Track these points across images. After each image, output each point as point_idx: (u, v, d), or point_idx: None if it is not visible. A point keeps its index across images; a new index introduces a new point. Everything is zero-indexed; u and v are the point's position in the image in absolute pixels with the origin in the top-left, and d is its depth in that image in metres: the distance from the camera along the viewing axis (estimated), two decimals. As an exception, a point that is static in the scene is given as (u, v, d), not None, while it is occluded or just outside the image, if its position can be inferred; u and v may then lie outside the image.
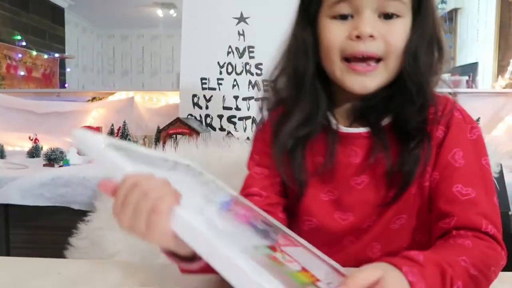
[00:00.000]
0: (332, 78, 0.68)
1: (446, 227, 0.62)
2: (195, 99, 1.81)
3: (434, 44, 0.66)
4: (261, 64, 1.77)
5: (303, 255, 0.51)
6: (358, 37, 0.62)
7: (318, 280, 0.46)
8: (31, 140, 1.86)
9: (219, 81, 1.80)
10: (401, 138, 0.65)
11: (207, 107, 1.81)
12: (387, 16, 0.63)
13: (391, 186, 0.65)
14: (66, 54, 5.53)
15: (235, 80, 1.79)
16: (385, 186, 0.66)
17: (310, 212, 0.70)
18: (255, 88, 1.77)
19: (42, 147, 1.84)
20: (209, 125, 1.80)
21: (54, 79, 5.13)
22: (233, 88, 1.79)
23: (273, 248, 0.47)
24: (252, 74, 1.78)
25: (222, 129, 1.80)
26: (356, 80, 0.64)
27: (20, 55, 4.41)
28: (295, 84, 0.70)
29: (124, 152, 0.52)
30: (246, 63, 1.78)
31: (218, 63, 1.79)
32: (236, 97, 1.79)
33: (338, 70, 0.65)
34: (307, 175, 0.69)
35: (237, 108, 1.79)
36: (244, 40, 1.78)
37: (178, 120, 1.63)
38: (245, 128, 1.78)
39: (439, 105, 0.66)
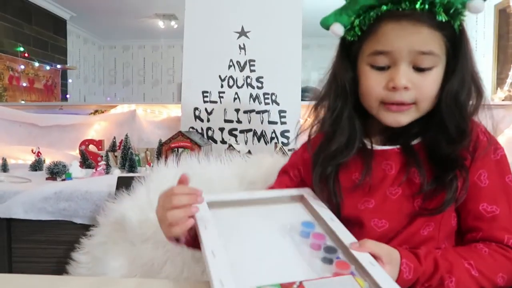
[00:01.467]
0: (368, 111, 0.75)
1: (473, 239, 0.70)
2: (197, 112, 1.82)
3: (472, 85, 0.71)
4: (261, 77, 1.79)
5: None
6: (394, 87, 0.68)
7: None
8: (34, 153, 1.86)
9: (221, 94, 1.81)
10: (435, 160, 0.70)
11: (208, 120, 1.82)
12: (421, 68, 0.68)
13: (425, 198, 0.70)
14: (68, 65, 5.57)
15: (236, 93, 1.80)
16: (418, 198, 0.71)
17: (349, 221, 0.73)
18: (256, 101, 1.79)
19: (44, 160, 1.85)
20: (211, 138, 1.81)
21: (56, 90, 5.17)
22: (234, 101, 1.81)
23: (284, 286, 0.53)
24: (253, 87, 1.79)
25: (223, 141, 1.81)
26: (391, 116, 0.71)
27: (22, 67, 4.45)
28: (333, 120, 0.76)
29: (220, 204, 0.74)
30: (247, 77, 1.80)
31: (220, 76, 1.81)
32: (237, 110, 1.80)
33: (375, 109, 0.73)
34: (341, 195, 0.75)
35: (238, 121, 1.80)
36: (245, 54, 1.80)
37: (179, 133, 1.64)
38: (246, 141, 1.80)
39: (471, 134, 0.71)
